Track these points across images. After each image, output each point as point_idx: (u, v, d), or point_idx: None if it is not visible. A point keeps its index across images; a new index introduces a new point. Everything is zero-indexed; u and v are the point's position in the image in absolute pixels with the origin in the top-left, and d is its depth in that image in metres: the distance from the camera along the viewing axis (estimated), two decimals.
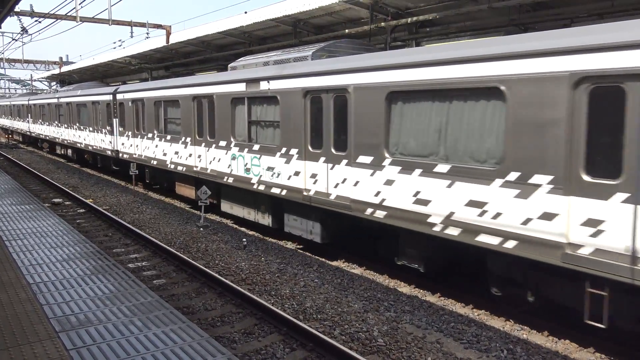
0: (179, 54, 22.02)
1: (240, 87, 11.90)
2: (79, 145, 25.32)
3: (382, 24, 12.06)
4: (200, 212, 14.29)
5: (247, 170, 11.88)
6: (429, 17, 11.04)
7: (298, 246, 11.95)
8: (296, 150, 10.33)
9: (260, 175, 11.37)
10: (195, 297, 8.58)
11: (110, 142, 20.83)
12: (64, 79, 37.64)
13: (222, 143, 12.85)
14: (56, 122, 29.13)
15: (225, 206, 13.63)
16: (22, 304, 5.66)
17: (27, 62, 41.97)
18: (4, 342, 4.70)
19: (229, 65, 13.29)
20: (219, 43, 18.61)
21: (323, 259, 10.85)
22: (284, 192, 10.77)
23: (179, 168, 15.18)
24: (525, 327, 7.52)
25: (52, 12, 17.53)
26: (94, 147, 22.99)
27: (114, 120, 20.17)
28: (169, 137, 15.73)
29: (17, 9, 17.39)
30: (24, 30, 20.54)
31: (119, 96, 19.69)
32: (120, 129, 19.75)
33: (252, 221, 12.59)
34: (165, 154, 16.06)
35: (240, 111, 12.14)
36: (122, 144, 19.67)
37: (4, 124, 50.71)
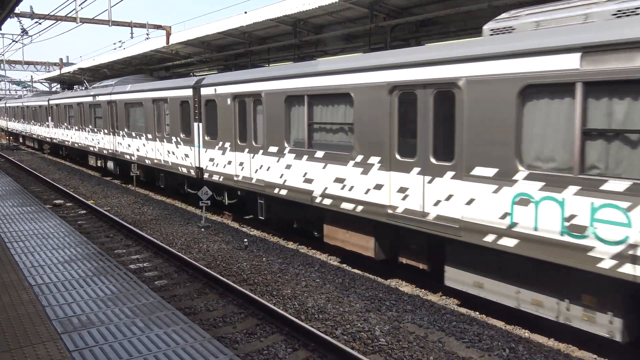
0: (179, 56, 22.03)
1: (564, 62, 6.07)
2: (127, 157, 19.76)
3: (382, 23, 12.07)
4: (201, 213, 14.30)
5: (571, 229, 6.16)
6: (429, 16, 11.04)
7: (299, 246, 11.95)
8: None
9: (629, 244, 5.66)
10: (197, 298, 8.60)
11: (187, 156, 15.45)
12: (65, 80, 37.61)
13: (481, 171, 7.15)
14: (90, 126, 23.67)
15: (464, 280, 7.76)
16: (24, 305, 5.67)
17: (28, 63, 42.11)
18: (6, 344, 4.71)
19: (484, 27, 7.63)
20: (219, 43, 18.61)
21: (324, 259, 10.86)
22: None
23: (345, 205, 9.56)
24: (527, 326, 7.52)
25: (52, 14, 17.58)
26: (156, 161, 17.45)
27: (195, 125, 14.81)
28: (318, 154, 10.20)
29: (17, 10, 17.43)
30: (24, 31, 20.56)
31: (205, 90, 14.27)
32: (206, 137, 14.38)
33: (553, 320, 6.76)
34: (307, 180, 10.50)
35: (557, 111, 6.35)
36: (211, 159, 14.18)
37: (15, 129, 44.87)
